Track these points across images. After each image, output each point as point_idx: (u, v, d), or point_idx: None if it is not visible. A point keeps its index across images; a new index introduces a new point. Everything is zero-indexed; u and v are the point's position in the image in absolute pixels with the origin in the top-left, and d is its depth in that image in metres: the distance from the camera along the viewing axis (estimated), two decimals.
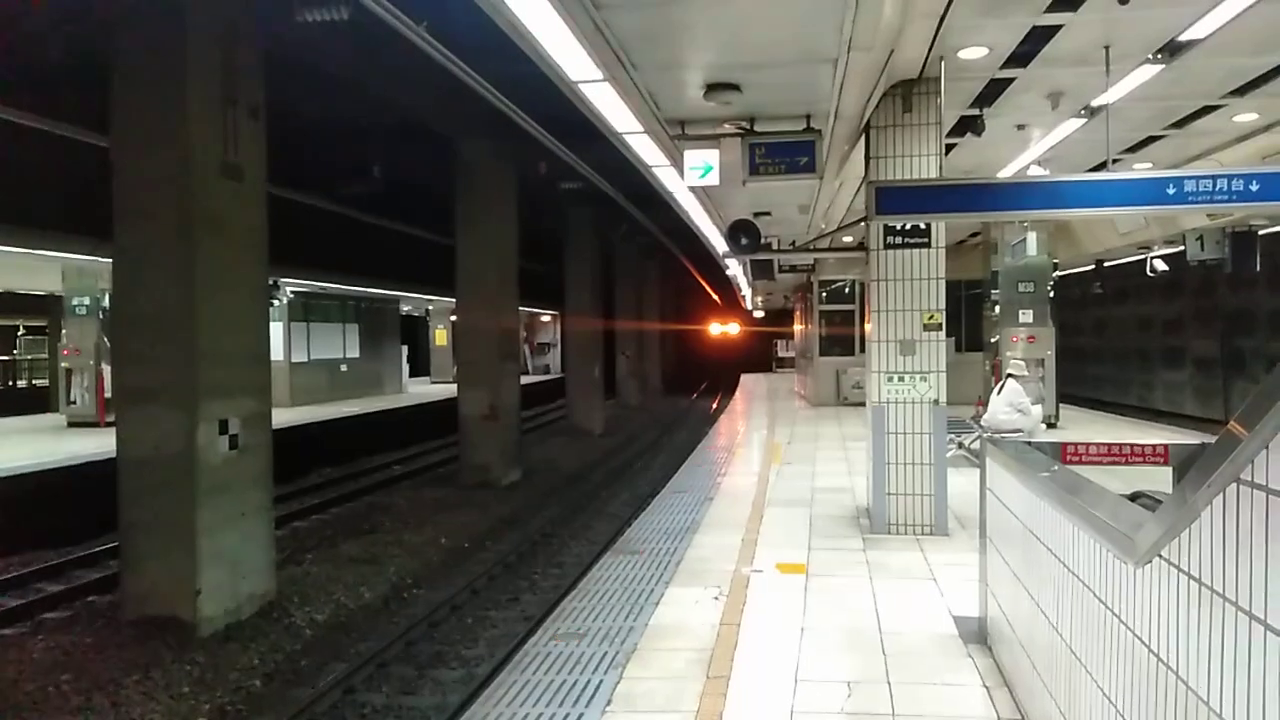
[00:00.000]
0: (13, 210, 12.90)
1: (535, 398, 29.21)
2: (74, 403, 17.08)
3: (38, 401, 23.18)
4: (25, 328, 29.06)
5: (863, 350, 17.36)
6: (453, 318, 24.56)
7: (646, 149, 7.65)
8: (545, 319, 41.38)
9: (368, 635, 8.57)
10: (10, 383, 28.30)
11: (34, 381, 27.52)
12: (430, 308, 32.72)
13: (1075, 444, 4.83)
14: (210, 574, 8.37)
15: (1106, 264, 18.46)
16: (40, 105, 11.32)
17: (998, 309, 15.18)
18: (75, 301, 17.13)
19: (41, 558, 10.82)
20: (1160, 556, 2.16)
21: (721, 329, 49.56)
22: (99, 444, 12.69)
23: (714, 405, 33.21)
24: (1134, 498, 3.99)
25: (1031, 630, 3.72)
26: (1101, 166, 9.65)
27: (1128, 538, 2.38)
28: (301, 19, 8.45)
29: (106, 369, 15.97)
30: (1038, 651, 3.62)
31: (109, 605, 9.18)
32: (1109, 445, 4.83)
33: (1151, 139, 9.53)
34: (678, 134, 6.82)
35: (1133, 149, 9.87)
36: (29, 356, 29.11)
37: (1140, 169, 10.16)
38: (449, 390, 21.30)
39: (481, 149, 16.09)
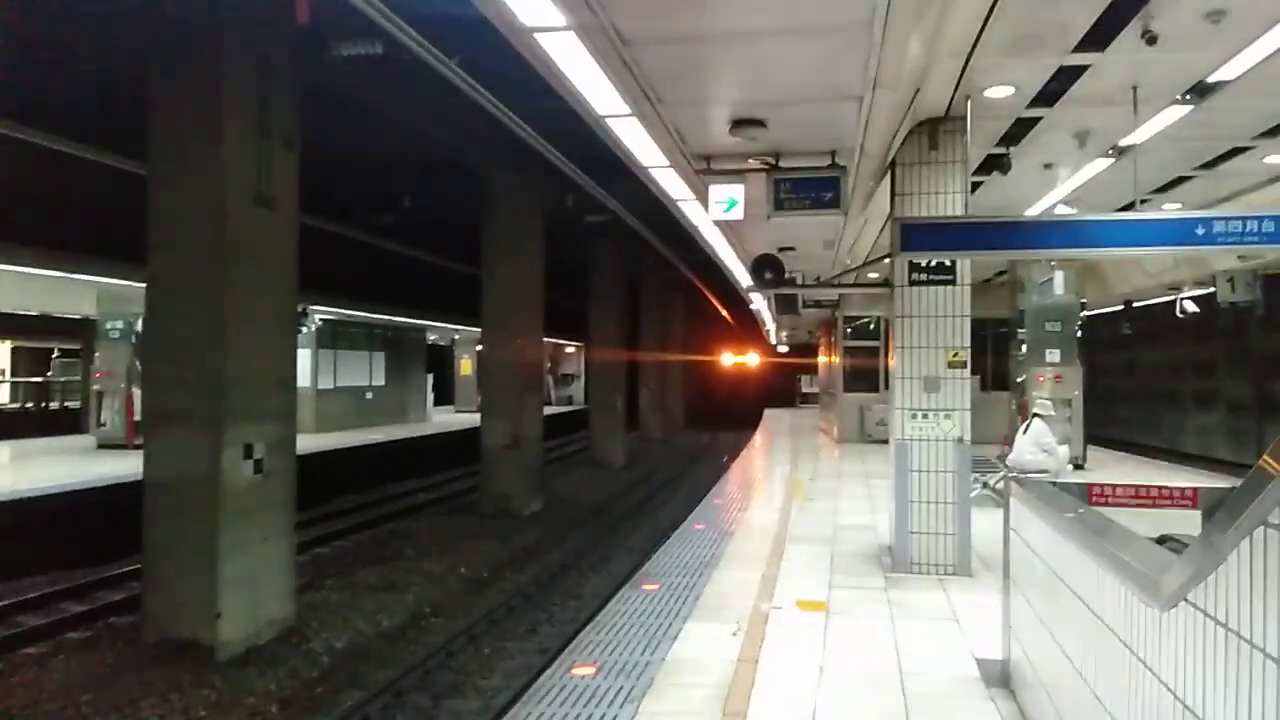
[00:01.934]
0: (50, 235, 13.23)
1: (558, 429, 29.23)
2: (104, 425, 17.31)
3: (69, 423, 23.52)
4: (60, 350, 29.56)
5: (886, 388, 17.30)
6: (478, 348, 24.72)
7: (672, 183, 7.71)
8: (570, 350, 41.53)
9: (385, 663, 8.55)
10: (43, 404, 28.74)
11: (66, 404, 27.92)
12: (456, 337, 32.97)
13: (1102, 485, 4.75)
14: (231, 598, 8.41)
15: (1135, 304, 18.29)
16: (78, 132, 11.59)
17: (1024, 348, 15.06)
18: (109, 325, 17.42)
19: (66, 578, 10.92)
20: (1186, 600, 2.12)
21: (745, 363, 49.45)
22: (127, 466, 12.84)
23: (736, 440, 33.08)
24: (1161, 541, 3.91)
25: (1055, 674, 3.65)
26: (1130, 207, 9.61)
27: (1153, 581, 2.34)
28: (336, 54, 8.62)
29: (136, 392, 16.19)
30: (1061, 696, 3.55)
31: (130, 626, 9.24)
32: (1136, 487, 4.76)
33: (1180, 179, 9.48)
34: (703, 168, 6.86)
35: (1161, 189, 9.82)
36: (62, 379, 29.57)
37: (1169, 209, 10.09)
38: (473, 419, 21.39)
39: (509, 182, 16.29)
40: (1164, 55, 5.69)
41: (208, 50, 8.40)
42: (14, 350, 29.21)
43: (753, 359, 47.42)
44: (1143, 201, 9.51)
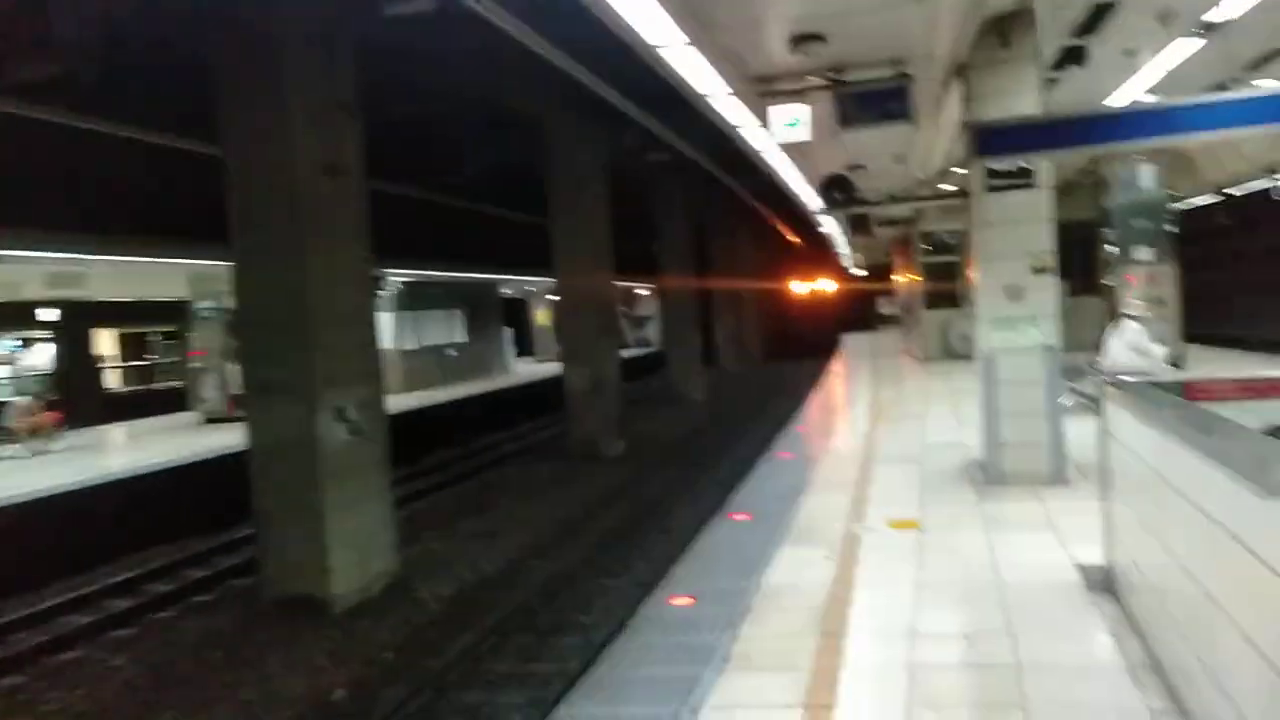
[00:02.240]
0: (142, 224, 13.74)
1: (637, 370, 29.40)
2: (205, 400, 18.12)
3: (176, 401, 24.67)
4: (159, 333, 30.93)
5: (968, 302, 16.84)
6: (553, 297, 24.93)
7: (734, 110, 7.56)
8: (642, 292, 41.50)
9: (490, 607, 8.87)
10: (151, 385, 30.19)
11: (170, 384, 29.27)
12: (531, 289, 33.26)
13: (1201, 380, 4.58)
14: (339, 554, 8.80)
15: (1229, 191, 17.28)
16: (164, 121, 11.96)
17: (1112, 248, 14.43)
18: (201, 305, 18.12)
19: (188, 546, 11.56)
20: None
21: (819, 289, 48.61)
22: (231, 438, 13.44)
23: (816, 367, 32.76)
24: (1272, 432, 3.76)
25: (1162, 575, 3.57)
26: (1221, 88, 9.03)
27: (1262, 469, 2.26)
28: (391, 14, 8.64)
29: (231, 367, 16.86)
30: (1170, 597, 3.47)
31: (249, 588, 9.76)
32: (1238, 380, 4.57)
33: (1276, 53, 8.84)
34: (764, 90, 6.70)
35: (1255, 65, 9.17)
36: (163, 360, 30.97)
37: (1264, 85, 9.45)
38: (553, 369, 21.67)
39: (568, 127, 16.21)
40: None
41: (268, 20, 8.50)
42: (121, 336, 30.65)
43: (827, 285, 46.58)
44: (1234, 81, 8.93)
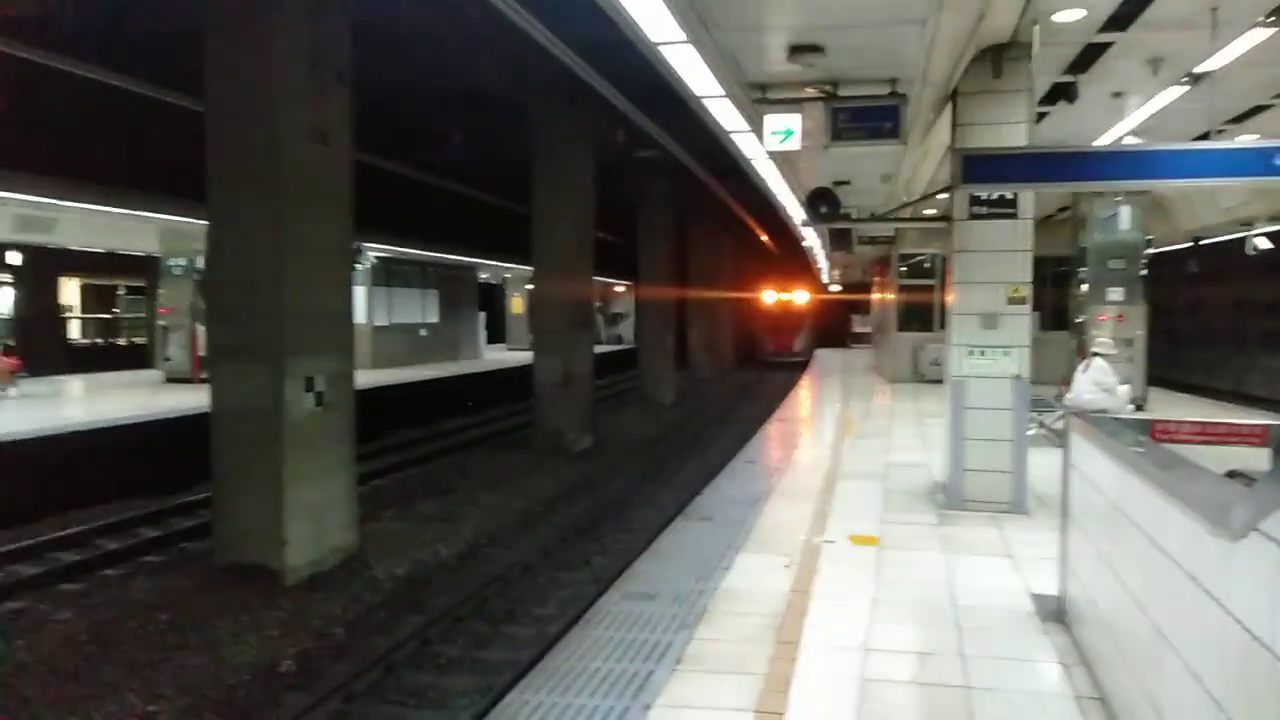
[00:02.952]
0: (114, 172, 13.51)
1: (609, 367, 29.39)
2: (169, 359, 17.85)
3: (136, 358, 24.29)
4: (126, 288, 30.39)
5: (941, 327, 17.04)
6: (529, 286, 24.85)
7: (726, 114, 7.58)
8: (619, 289, 41.50)
9: (444, 591, 8.82)
10: (111, 340, 29.68)
11: (133, 339, 28.79)
12: (508, 275, 33.14)
13: (1166, 421, 4.68)
14: (296, 526, 8.70)
15: (1204, 241, 17.65)
16: (144, 70, 11.74)
17: (1085, 286, 14.68)
18: (171, 262, 17.84)
19: (142, 505, 11.39)
20: (1258, 530, 2.09)
21: (794, 301, 48.80)
22: (192, 399, 13.27)
23: (787, 379, 32.99)
24: (1230, 476, 3.85)
25: (1115, 609, 3.64)
26: (1204, 137, 9.22)
27: (1223, 511, 2.31)
28: None
29: (199, 328, 16.63)
30: (1121, 630, 3.54)
31: (202, 552, 9.63)
32: (1203, 424, 4.68)
33: (1259, 109, 9.05)
34: (758, 98, 6.74)
35: (1237, 119, 9.39)
36: (128, 315, 30.45)
37: (1245, 140, 9.67)
38: (524, 357, 21.60)
39: (560, 117, 16.14)
40: None
41: None
42: (83, 287, 30.08)
43: (803, 298, 46.81)
44: (1218, 132, 9.12)
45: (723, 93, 6.72)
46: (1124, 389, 10.33)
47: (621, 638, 4.63)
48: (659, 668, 4.22)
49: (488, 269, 29.86)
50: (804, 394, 18.76)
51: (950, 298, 7.55)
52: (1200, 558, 2.55)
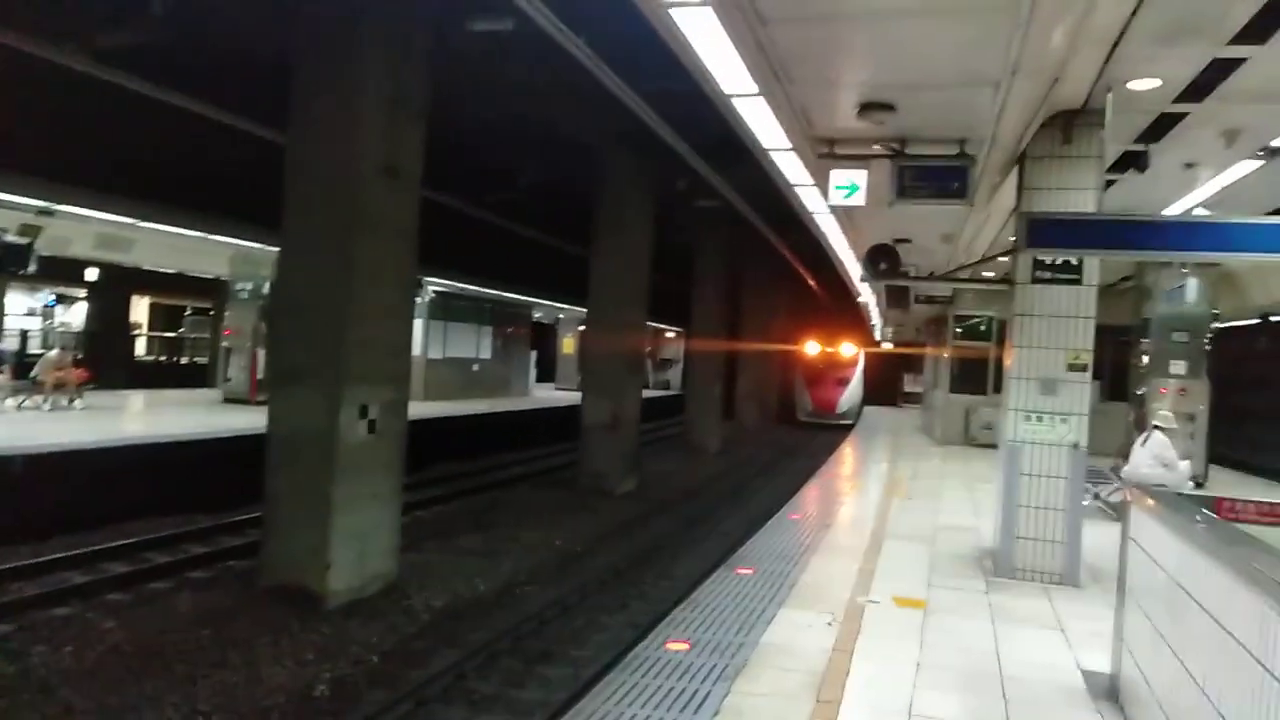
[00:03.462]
0: (190, 197, 14.00)
1: (655, 412, 29.38)
2: (229, 380, 18.29)
3: (197, 377, 24.93)
4: (192, 308, 31.30)
5: (995, 390, 16.73)
6: (581, 327, 25.04)
7: (792, 167, 7.64)
8: (670, 335, 41.60)
9: (480, 625, 8.81)
10: (175, 359, 30.50)
11: (195, 359, 29.56)
12: (561, 316, 33.47)
13: (1233, 499, 4.53)
14: (340, 550, 8.80)
15: (1274, 318, 17.18)
16: (222, 98, 12.19)
17: (1147, 358, 14.34)
18: (239, 286, 18.37)
19: (193, 521, 11.61)
20: None
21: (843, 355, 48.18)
22: (248, 420, 13.56)
23: (834, 436, 32.60)
24: None
25: (1174, 690, 3.50)
26: (1278, 212, 9.04)
27: None
28: (470, 29, 8.83)
29: (260, 351, 17.05)
30: (1180, 713, 3.41)
31: (247, 570, 9.77)
32: (1270, 504, 4.52)
33: None
34: (825, 152, 6.78)
35: None
36: (192, 335, 31.32)
37: None
38: (572, 397, 21.70)
39: (624, 164, 16.40)
40: None
41: (347, 22, 8.72)
42: (151, 305, 31.05)
43: (851, 351, 46.28)
44: None
45: (790, 146, 6.78)
46: (1184, 464, 10.01)
47: (659, 685, 4.57)
48: (696, 718, 4.15)
49: (541, 308, 30.21)
50: (850, 451, 18.53)
51: (1009, 361, 7.44)
52: (1271, 642, 2.45)
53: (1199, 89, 6.32)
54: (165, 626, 8.01)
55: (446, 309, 23.01)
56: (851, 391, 35.73)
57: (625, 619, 9.27)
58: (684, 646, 5.18)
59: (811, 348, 36.66)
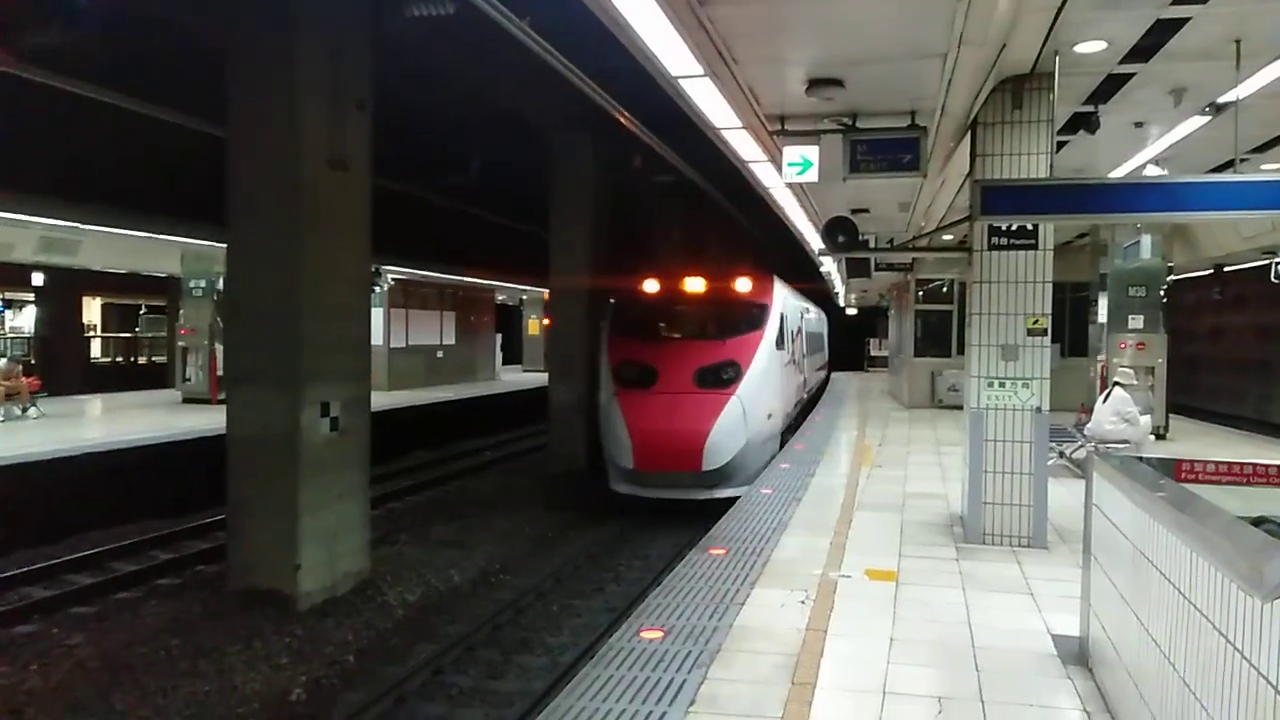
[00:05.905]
0: (138, 196, 13.66)
1: None
2: (189, 380, 17.95)
3: (156, 377, 24.47)
4: (146, 307, 30.68)
5: (959, 352, 16.90)
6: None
7: (744, 145, 7.58)
8: None
9: (456, 618, 8.76)
10: (132, 359, 29.92)
11: (153, 359, 29.03)
12: (524, 297, 33.24)
13: (1191, 461, 4.58)
14: (310, 551, 8.69)
15: (1226, 269, 17.49)
16: (167, 96, 11.88)
17: (1105, 314, 14.55)
18: (192, 284, 17.98)
19: (156, 527, 11.41)
20: None
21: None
22: (209, 420, 13.33)
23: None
24: (1258, 523, 3.75)
25: (1139, 656, 3.55)
26: (1226, 166, 9.13)
27: (1256, 570, 2.24)
28: (409, 15, 8.62)
29: (219, 349, 16.72)
30: (1146, 679, 3.45)
31: (215, 575, 9.63)
32: (1228, 464, 4.58)
33: None
34: (777, 130, 6.73)
35: (1261, 148, 9.28)
36: (149, 334, 30.73)
37: (1269, 169, 9.57)
38: (540, 379, 21.58)
39: (577, 143, 16.22)
40: (1272, 5, 5.35)
41: (283, 12, 8.47)
42: (104, 306, 30.40)
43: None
44: (1242, 161, 9.02)
45: (741, 124, 6.71)
46: (1145, 419, 10.20)
47: (634, 677, 4.55)
48: (672, 709, 4.15)
49: (505, 291, 29.97)
50: (820, 419, 18.62)
51: (969, 329, 7.48)
52: (1231, 613, 2.47)
53: (1144, 50, 6.34)
54: (133, 638, 7.87)
55: (407, 296, 22.75)
56: (753, 402, 12.66)
57: (601, 603, 9.24)
58: (658, 634, 5.17)
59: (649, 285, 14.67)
